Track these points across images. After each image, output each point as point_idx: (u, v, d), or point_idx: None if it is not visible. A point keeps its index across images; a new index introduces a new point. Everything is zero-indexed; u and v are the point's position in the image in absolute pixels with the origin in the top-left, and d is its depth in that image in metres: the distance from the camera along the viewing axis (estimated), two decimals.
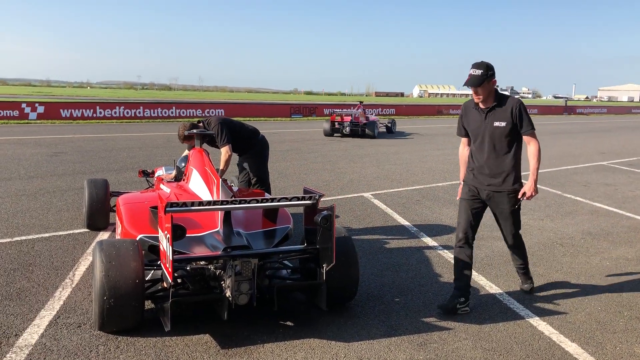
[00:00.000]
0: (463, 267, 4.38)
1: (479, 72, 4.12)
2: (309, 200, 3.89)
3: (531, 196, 4.27)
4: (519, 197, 4.32)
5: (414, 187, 10.00)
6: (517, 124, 4.22)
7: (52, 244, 5.82)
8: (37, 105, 25.06)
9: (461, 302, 4.32)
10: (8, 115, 23.79)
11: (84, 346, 3.58)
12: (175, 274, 3.78)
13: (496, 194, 4.34)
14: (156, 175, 6.90)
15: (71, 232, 6.31)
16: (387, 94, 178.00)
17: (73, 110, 25.82)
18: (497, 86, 4.34)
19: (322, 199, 3.94)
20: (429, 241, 6.41)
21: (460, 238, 4.41)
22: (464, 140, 4.59)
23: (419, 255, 5.84)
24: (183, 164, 6.02)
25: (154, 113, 28.19)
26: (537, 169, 4.32)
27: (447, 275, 5.23)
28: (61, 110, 25.53)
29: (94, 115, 26.20)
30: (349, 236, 4.38)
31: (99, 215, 6.26)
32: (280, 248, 4.27)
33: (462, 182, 4.58)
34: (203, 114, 28.80)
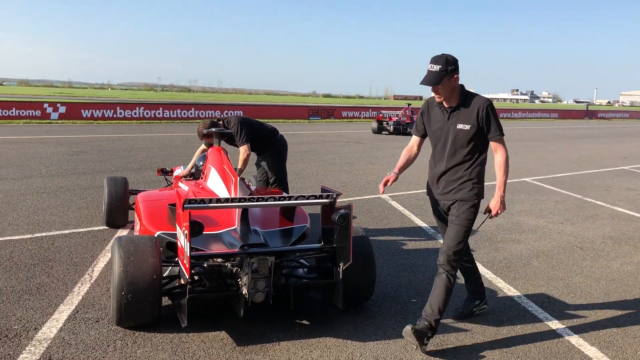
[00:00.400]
0: (469, 274, 4.23)
1: (436, 67, 3.57)
2: (327, 199, 3.88)
3: (497, 214, 3.73)
4: (484, 213, 3.79)
5: None
6: (484, 128, 3.66)
7: (72, 240, 5.89)
8: (58, 105, 25.47)
9: (476, 305, 4.26)
10: (30, 115, 24.21)
11: (102, 341, 3.61)
12: (193, 271, 3.80)
13: (453, 204, 3.78)
14: (175, 174, 6.96)
15: (90, 229, 6.38)
16: (406, 97, 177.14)
17: (94, 111, 26.19)
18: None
19: (339, 199, 3.93)
20: None
21: None
22: (416, 139, 4.00)
23: (436, 257, 5.78)
24: (201, 163, 6.06)
25: (173, 114, 28.46)
26: (505, 182, 3.72)
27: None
28: (82, 111, 25.90)
29: (114, 115, 26.54)
30: (366, 236, 4.36)
31: (118, 212, 6.32)
32: (297, 246, 4.26)
33: (393, 173, 3.87)
34: (222, 116, 28.98)
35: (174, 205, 4.15)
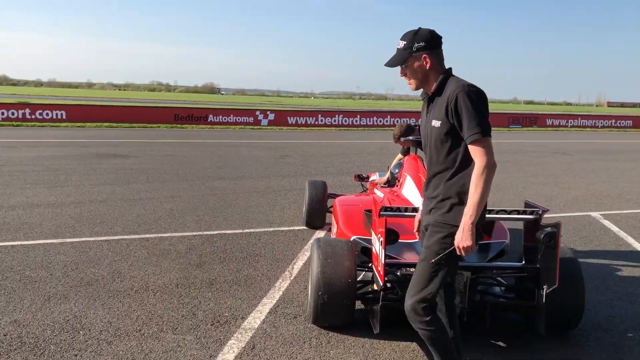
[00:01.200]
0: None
1: (402, 44, 2.77)
2: (531, 215, 3.60)
3: (462, 251, 2.67)
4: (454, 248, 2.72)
5: None
6: (456, 125, 2.69)
7: (275, 237, 6.34)
8: (268, 112, 27.94)
9: None
10: (245, 121, 26.94)
11: (299, 337, 3.80)
12: (386, 278, 3.81)
13: (427, 228, 2.89)
14: (370, 179, 7.10)
15: (292, 228, 6.80)
16: (622, 104, 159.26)
17: (298, 118, 28.19)
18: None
19: (545, 215, 3.63)
20: None
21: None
22: None
23: None
24: (397, 170, 6.08)
25: (369, 122, 29.30)
26: (477, 203, 2.60)
27: None
28: (288, 118, 28.06)
29: (316, 122, 28.20)
30: (575, 258, 3.95)
31: (317, 214, 6.64)
32: (495, 263, 4.04)
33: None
34: (418, 122, 29.01)
35: (369, 211, 4.21)
